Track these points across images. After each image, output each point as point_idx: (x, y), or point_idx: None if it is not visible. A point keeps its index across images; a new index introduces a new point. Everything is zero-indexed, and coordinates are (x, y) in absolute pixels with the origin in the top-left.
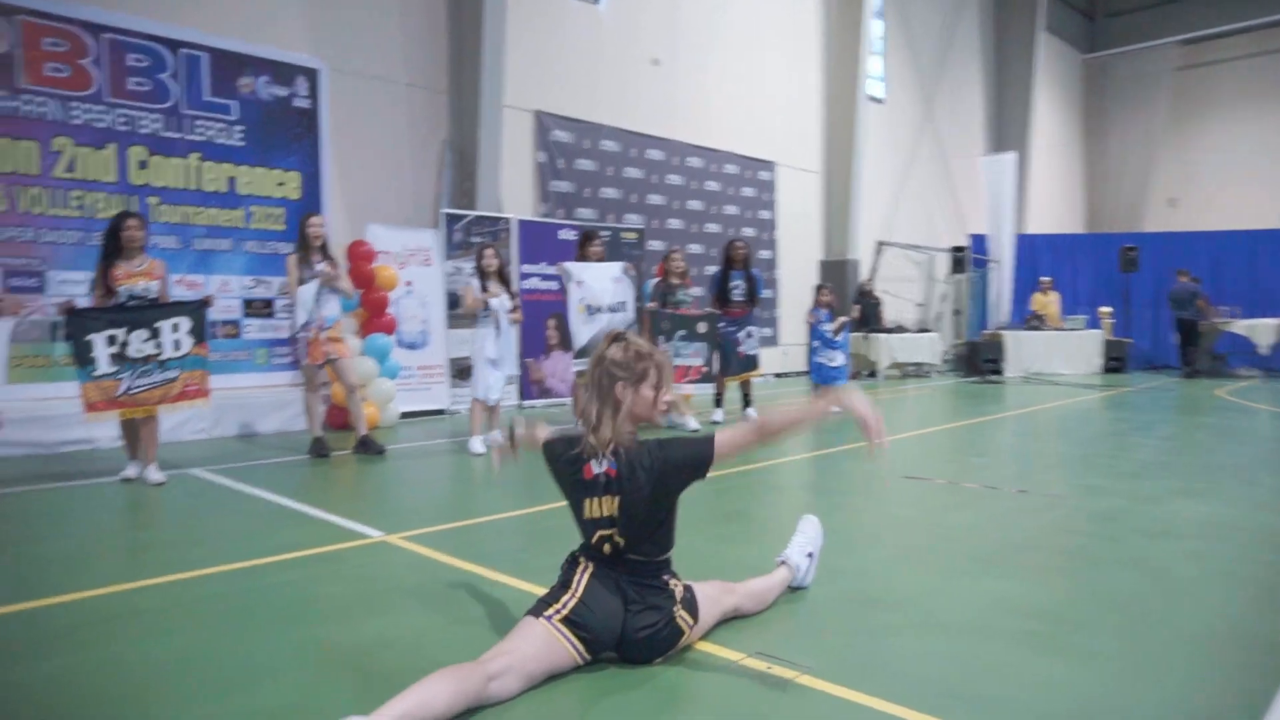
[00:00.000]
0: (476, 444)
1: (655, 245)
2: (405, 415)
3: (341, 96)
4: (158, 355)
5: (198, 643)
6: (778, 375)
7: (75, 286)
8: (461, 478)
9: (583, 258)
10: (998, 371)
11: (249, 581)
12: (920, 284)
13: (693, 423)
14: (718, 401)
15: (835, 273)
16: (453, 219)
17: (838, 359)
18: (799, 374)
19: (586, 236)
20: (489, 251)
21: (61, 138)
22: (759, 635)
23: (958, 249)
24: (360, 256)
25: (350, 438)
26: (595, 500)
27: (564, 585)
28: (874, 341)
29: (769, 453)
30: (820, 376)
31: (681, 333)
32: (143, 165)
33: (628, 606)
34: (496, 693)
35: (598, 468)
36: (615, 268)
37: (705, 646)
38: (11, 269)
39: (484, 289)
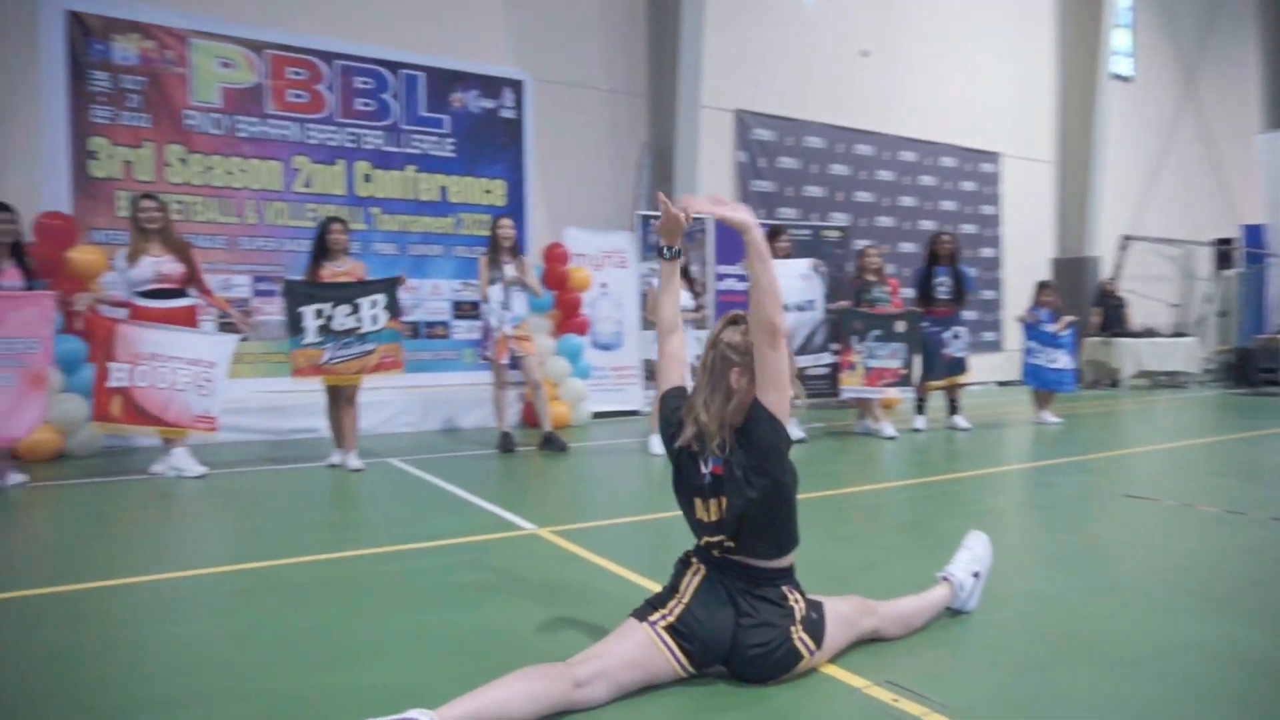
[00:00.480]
0: (655, 443)
1: (862, 243)
2: (598, 415)
3: (544, 105)
4: (358, 329)
5: (330, 617)
6: (1001, 384)
7: None
8: (632, 476)
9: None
10: (1276, 382)
11: (397, 564)
12: (1176, 283)
13: (889, 429)
14: (919, 408)
15: (1071, 271)
16: (648, 221)
17: (1060, 359)
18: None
19: (773, 232)
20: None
21: (300, 156)
22: (896, 661)
23: (1223, 241)
24: (555, 258)
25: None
26: (704, 502)
27: (673, 589)
28: (1116, 346)
29: (970, 461)
30: (1040, 380)
31: (877, 332)
32: (367, 179)
33: (739, 619)
34: (583, 699)
35: (705, 466)
36: (803, 264)
37: (829, 668)
38: (260, 275)
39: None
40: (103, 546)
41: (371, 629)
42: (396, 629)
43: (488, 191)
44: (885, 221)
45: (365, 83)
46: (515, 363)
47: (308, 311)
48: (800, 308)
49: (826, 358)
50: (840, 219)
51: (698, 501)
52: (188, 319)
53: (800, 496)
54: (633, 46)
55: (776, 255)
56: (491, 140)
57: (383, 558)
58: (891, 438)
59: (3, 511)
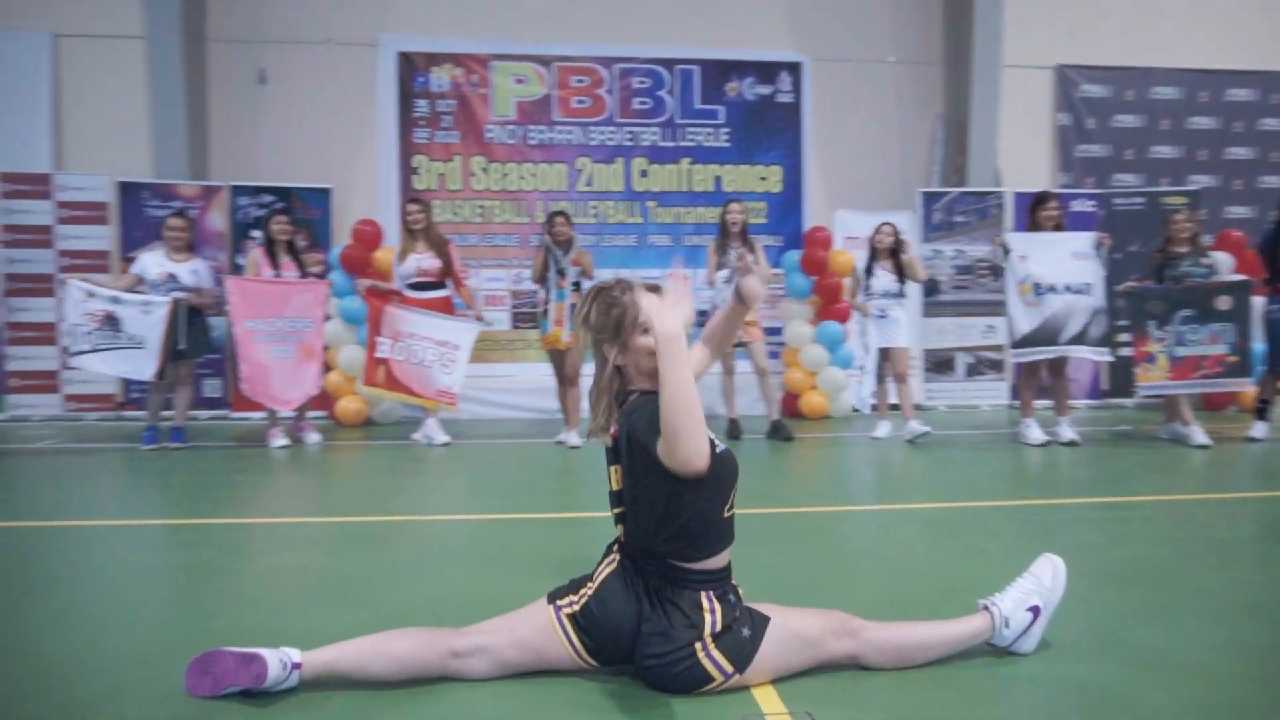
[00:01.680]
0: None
1: (1238, 211)
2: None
3: (823, 86)
4: None
5: (453, 581)
6: None
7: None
8: (843, 467)
9: (1034, 226)
10: None
11: (518, 530)
12: None
13: (1199, 435)
14: (1260, 412)
15: None
16: (932, 198)
17: None
18: None
19: (1039, 199)
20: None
21: (583, 158)
22: (847, 690)
23: None
24: (815, 243)
25: (806, 424)
26: (612, 469)
27: (589, 576)
28: None
29: (1149, 484)
30: None
31: (1186, 312)
32: (644, 174)
33: (641, 621)
34: (458, 669)
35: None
36: (1079, 239)
37: (760, 689)
38: None
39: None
40: (349, 491)
41: (490, 589)
42: (508, 590)
43: (763, 179)
44: (1270, 181)
45: (642, 82)
46: (742, 348)
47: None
48: (1074, 289)
49: (1106, 353)
50: (1204, 181)
51: (610, 469)
52: (443, 308)
53: (1030, 501)
54: (923, 11)
55: (1042, 227)
56: (767, 126)
57: (502, 524)
58: (1203, 446)
59: (295, 462)
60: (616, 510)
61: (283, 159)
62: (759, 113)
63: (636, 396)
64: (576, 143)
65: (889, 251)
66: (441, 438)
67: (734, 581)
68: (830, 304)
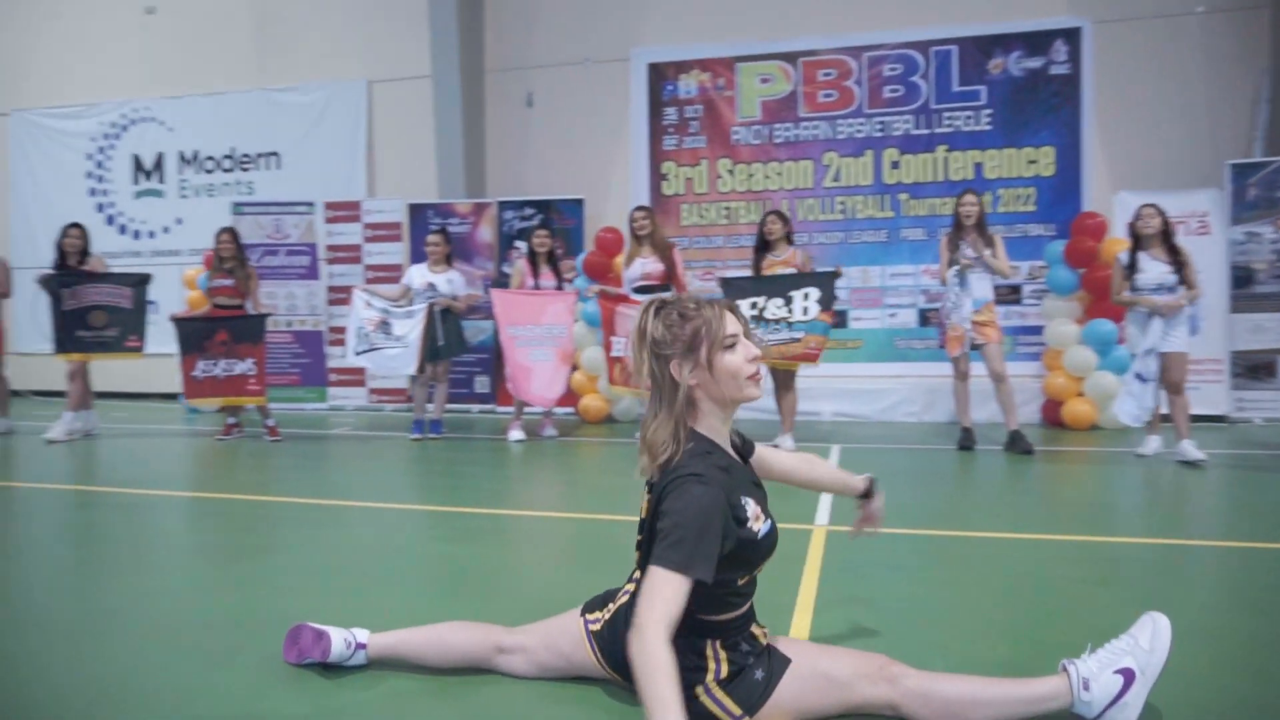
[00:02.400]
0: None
1: None
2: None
3: (1108, 51)
4: (788, 318)
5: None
6: None
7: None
8: (1081, 488)
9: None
10: None
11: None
12: None
13: None
14: None
15: None
16: (1245, 171)
17: None
18: None
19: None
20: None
21: (829, 153)
22: None
23: None
24: (1085, 230)
25: (1068, 436)
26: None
27: (617, 589)
28: None
29: None
30: None
31: None
32: (894, 165)
33: None
34: (502, 666)
35: None
36: None
37: None
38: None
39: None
40: (550, 485)
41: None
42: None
43: (1032, 162)
44: None
45: (893, 69)
46: (976, 351)
47: (743, 305)
48: None
49: None
50: None
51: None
52: None
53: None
54: None
55: None
56: (1037, 104)
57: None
58: None
59: (523, 455)
60: (639, 538)
61: (546, 173)
62: (1028, 89)
63: (690, 452)
64: (823, 138)
65: (1159, 237)
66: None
67: (755, 627)
68: (1100, 299)
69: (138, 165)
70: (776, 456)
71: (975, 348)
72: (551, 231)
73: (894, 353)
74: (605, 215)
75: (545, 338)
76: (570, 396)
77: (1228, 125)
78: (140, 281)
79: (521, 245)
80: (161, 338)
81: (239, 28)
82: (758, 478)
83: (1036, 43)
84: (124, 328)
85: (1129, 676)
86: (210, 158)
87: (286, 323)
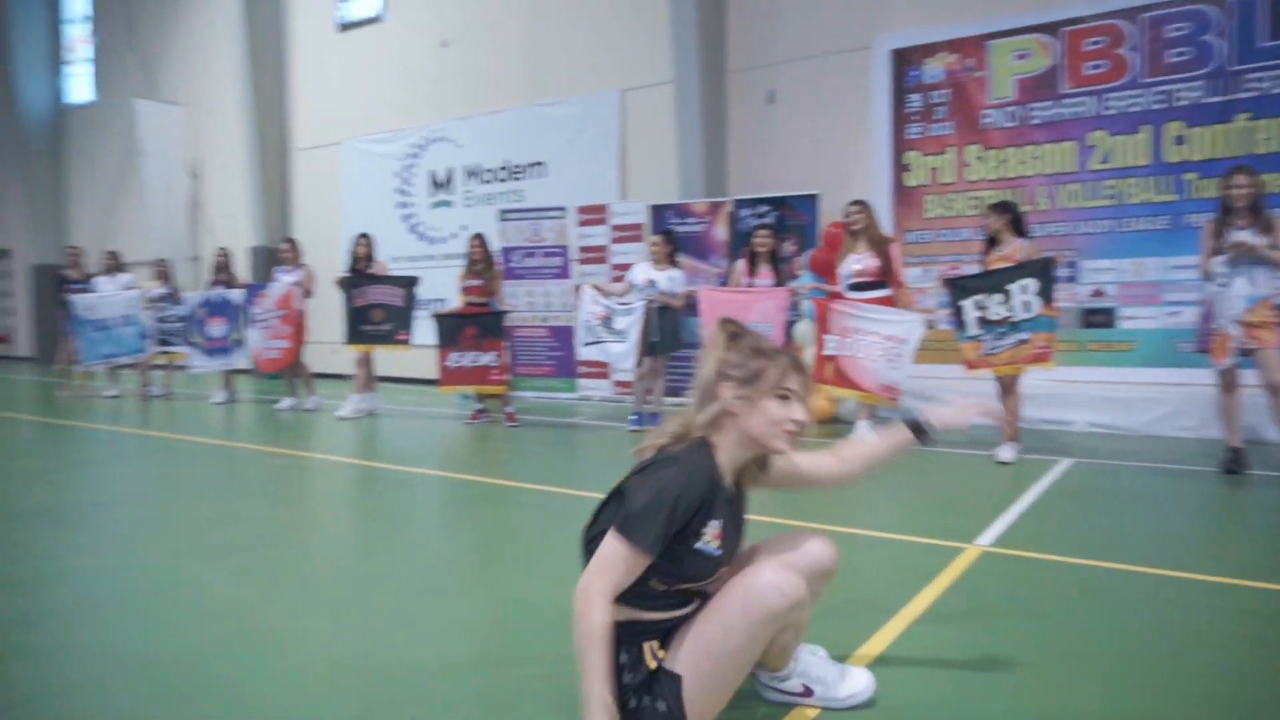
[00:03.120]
0: None
1: None
2: None
3: None
4: (1009, 318)
5: None
6: None
7: (1103, 274)
8: None
9: None
10: None
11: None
12: None
13: None
14: None
15: None
16: None
17: None
18: None
19: None
20: None
21: (1097, 131)
22: None
23: None
24: None
25: None
26: None
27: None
28: None
29: None
30: None
31: None
32: (1179, 141)
33: None
34: None
35: None
36: None
37: None
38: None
39: None
40: None
41: None
42: None
43: None
44: None
45: (1179, 29)
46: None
47: (968, 304)
48: None
49: None
50: None
51: None
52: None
53: None
54: None
55: None
56: None
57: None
58: None
59: None
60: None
61: (787, 169)
62: None
63: (688, 451)
64: (1089, 115)
65: (1250, 209)
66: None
67: (651, 643)
68: None
69: (433, 180)
70: (814, 462)
71: (1247, 353)
72: (774, 231)
73: (1172, 357)
74: (841, 210)
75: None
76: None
77: None
78: (410, 283)
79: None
80: (426, 331)
81: (512, 52)
82: (741, 517)
83: None
84: (396, 323)
85: (808, 693)
86: (489, 170)
87: (541, 318)
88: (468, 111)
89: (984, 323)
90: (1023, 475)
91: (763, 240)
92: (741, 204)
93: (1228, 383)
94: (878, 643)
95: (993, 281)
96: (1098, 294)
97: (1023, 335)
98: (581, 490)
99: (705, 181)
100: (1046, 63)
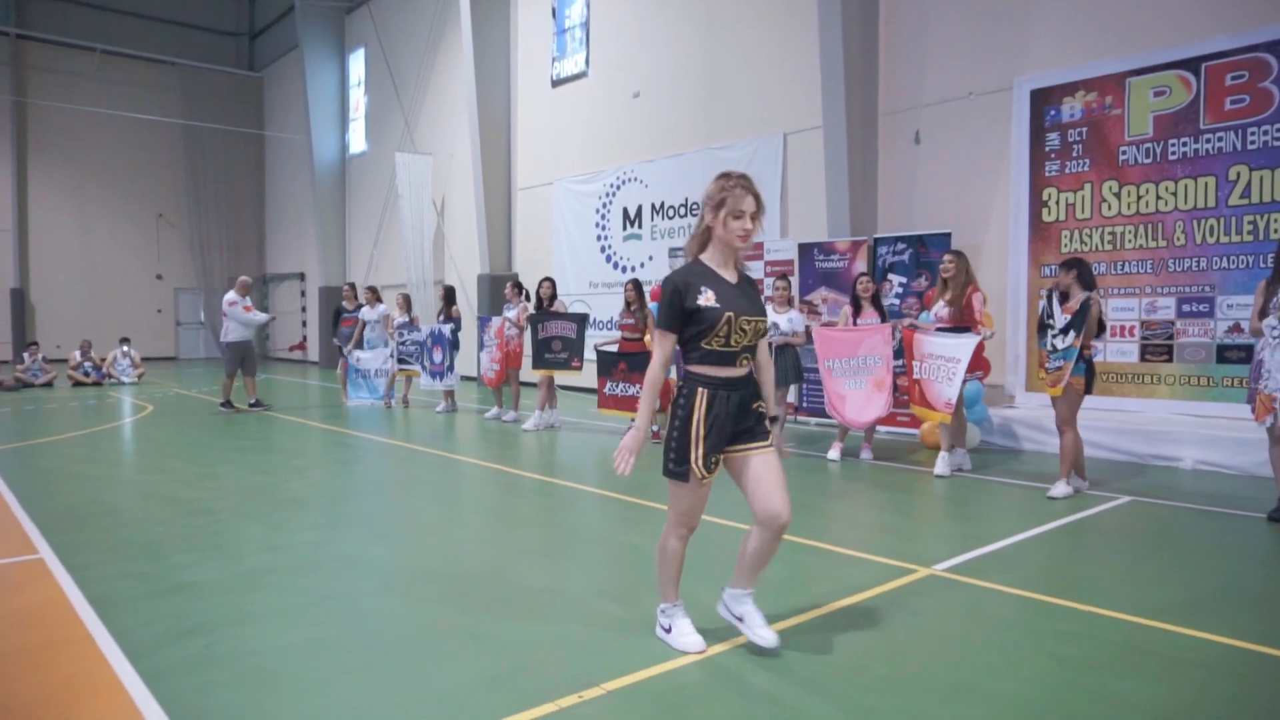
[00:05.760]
0: None
1: None
2: None
3: None
4: (1058, 346)
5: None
6: None
7: (1241, 310)
8: None
9: None
10: None
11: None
12: None
13: None
14: None
15: None
16: None
17: None
18: None
19: None
20: None
21: (1238, 165)
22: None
23: None
24: None
25: None
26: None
27: None
28: None
29: None
30: None
31: None
32: None
33: None
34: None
35: None
36: None
37: None
38: (1185, 297)
39: None
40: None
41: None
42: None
43: None
44: None
45: None
46: None
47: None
48: None
49: None
50: None
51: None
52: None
53: None
54: None
55: None
56: None
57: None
58: None
59: (832, 473)
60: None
61: (931, 208)
62: None
63: (684, 267)
64: (1229, 150)
65: None
66: (942, 470)
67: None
68: None
69: (625, 215)
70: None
71: None
72: (871, 277)
73: None
74: (980, 248)
75: (860, 368)
76: (915, 420)
77: None
78: (583, 319)
79: (893, 278)
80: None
81: (691, 101)
82: (749, 289)
83: None
84: (570, 352)
85: (666, 629)
86: (671, 206)
87: None
88: (654, 155)
89: (1053, 351)
90: (1053, 510)
91: (865, 286)
92: (880, 241)
93: (1275, 436)
94: (790, 621)
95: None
96: (1234, 330)
97: (1057, 362)
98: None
99: (852, 220)
100: (1186, 98)
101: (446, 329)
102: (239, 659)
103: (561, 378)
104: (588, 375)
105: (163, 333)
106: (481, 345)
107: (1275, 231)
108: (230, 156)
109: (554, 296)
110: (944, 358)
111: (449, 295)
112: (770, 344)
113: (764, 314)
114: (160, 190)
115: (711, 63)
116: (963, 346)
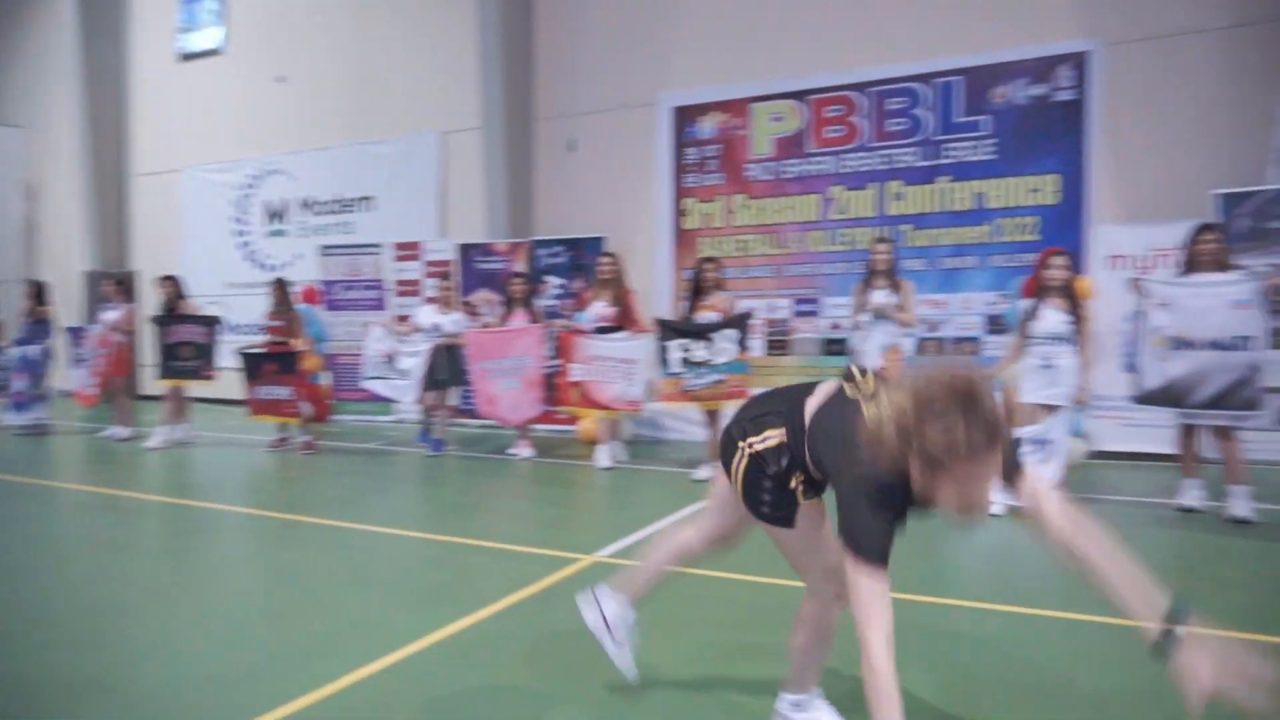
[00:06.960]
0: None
1: None
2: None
3: (1118, 74)
4: (710, 360)
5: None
6: None
7: (840, 310)
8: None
9: (1192, 262)
10: None
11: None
12: None
13: None
14: None
15: None
16: (1234, 200)
17: None
18: None
19: (1198, 231)
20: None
21: (835, 186)
22: None
23: None
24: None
25: None
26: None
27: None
28: None
29: None
30: None
31: None
32: (898, 197)
33: None
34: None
35: None
36: (1241, 287)
37: None
38: (800, 297)
39: None
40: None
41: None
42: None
43: (1034, 190)
44: None
45: (898, 103)
46: None
47: (673, 345)
48: (1221, 346)
49: (1258, 418)
50: None
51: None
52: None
53: None
54: None
55: (1200, 263)
56: (1040, 132)
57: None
58: None
59: (497, 472)
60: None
61: (587, 213)
62: (1030, 117)
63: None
64: (829, 172)
65: (1060, 289)
66: (605, 462)
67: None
68: None
69: (268, 210)
70: (1051, 513)
71: None
72: (526, 279)
73: None
74: (631, 251)
75: (513, 368)
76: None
77: (1242, 149)
78: (214, 322)
79: (550, 279)
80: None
81: (340, 90)
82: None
83: (1041, 69)
84: (203, 359)
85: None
86: (321, 202)
87: (360, 347)
88: (301, 146)
89: (686, 363)
90: (699, 491)
91: (516, 288)
92: (539, 244)
93: None
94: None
95: (700, 329)
96: (835, 327)
97: (719, 376)
98: (334, 520)
99: (510, 222)
100: (797, 125)
101: (36, 349)
102: None
103: (193, 388)
104: (228, 384)
105: None
106: (77, 361)
107: (863, 243)
108: None
109: (180, 296)
110: (617, 359)
111: (38, 293)
112: (435, 346)
113: None
114: None
115: (366, 52)
116: (637, 349)
